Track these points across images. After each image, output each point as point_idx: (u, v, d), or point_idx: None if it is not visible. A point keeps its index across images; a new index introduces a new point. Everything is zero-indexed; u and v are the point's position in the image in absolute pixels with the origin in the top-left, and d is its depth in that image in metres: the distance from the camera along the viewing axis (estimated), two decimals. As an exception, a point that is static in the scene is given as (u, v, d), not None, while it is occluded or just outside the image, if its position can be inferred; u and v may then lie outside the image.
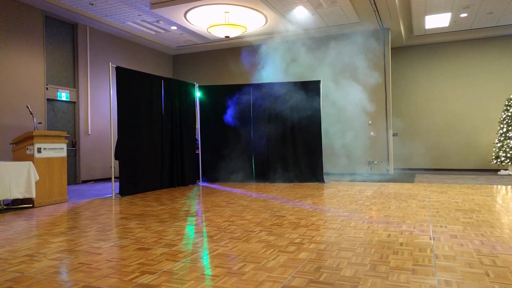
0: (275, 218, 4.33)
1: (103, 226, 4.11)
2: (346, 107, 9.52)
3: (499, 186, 6.98)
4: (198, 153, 8.72)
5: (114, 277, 2.46)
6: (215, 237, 3.47)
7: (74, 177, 8.79)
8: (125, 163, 6.70)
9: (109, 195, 6.58)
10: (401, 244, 3.11)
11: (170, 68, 12.11)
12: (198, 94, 8.75)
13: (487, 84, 10.48)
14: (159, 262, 2.75)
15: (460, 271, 2.44)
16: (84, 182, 8.98)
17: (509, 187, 6.88)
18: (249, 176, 8.52)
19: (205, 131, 8.73)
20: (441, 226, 3.74)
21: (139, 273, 2.51)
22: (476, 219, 4.04)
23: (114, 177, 6.57)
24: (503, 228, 3.65)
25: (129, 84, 6.89)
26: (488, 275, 2.36)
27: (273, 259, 2.76)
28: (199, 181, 8.59)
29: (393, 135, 10.09)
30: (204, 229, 3.85)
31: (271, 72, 9.12)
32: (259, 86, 8.56)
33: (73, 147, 8.77)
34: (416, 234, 3.43)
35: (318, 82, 8.28)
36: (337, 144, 9.42)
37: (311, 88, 8.25)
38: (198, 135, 8.77)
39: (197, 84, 8.79)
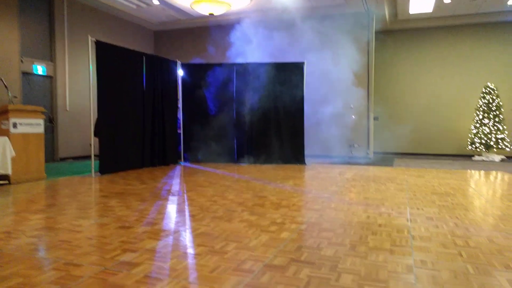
0: (257, 198, 4.37)
1: (83, 204, 4.05)
2: (329, 89, 9.57)
3: (472, 171, 7.22)
4: (180, 132, 8.63)
5: (96, 254, 2.44)
6: (197, 216, 3.48)
7: (52, 154, 8.58)
8: (105, 141, 6.57)
9: (88, 173, 6.48)
10: (380, 225, 3.20)
11: (151, 44, 11.81)
12: (180, 72, 8.59)
13: (467, 71, 10.68)
14: (141, 241, 2.74)
15: (435, 252, 2.53)
16: (62, 159, 8.79)
17: (482, 172, 7.12)
18: (232, 157, 8.52)
19: (188, 111, 8.62)
20: (417, 209, 3.85)
21: (121, 251, 2.50)
22: (451, 203, 4.19)
23: (94, 155, 6.46)
24: (476, 211, 3.80)
25: (110, 59, 6.70)
26: (461, 255, 2.46)
27: (255, 239, 2.80)
28: (181, 161, 8.54)
29: (374, 119, 10.23)
30: (186, 208, 3.85)
31: (255, 51, 9.02)
32: (242, 65, 8.47)
33: (51, 123, 8.53)
34: (394, 216, 3.53)
35: (301, 64, 8.25)
36: (319, 126, 9.49)
37: (294, 70, 8.23)
38: (180, 115, 8.66)
39: (180, 62, 8.62)
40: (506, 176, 6.50)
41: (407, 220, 3.37)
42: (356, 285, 1.99)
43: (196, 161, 8.57)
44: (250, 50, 9.04)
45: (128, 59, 7.16)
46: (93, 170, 6.33)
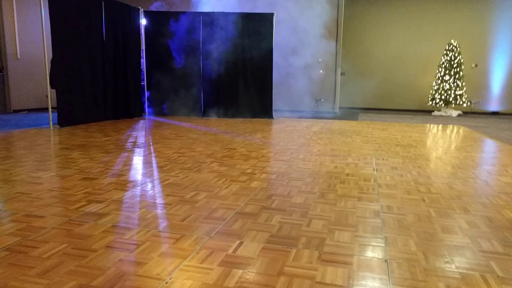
0: (226, 150, 4.32)
1: (42, 156, 3.84)
2: (298, 43, 9.41)
3: (432, 125, 7.51)
4: (144, 84, 8.27)
5: (58, 206, 2.33)
6: (165, 168, 3.40)
7: (3, 106, 8.03)
8: (63, 92, 6.18)
9: (46, 126, 6.13)
10: (347, 174, 3.27)
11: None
12: (143, 21, 8.08)
13: (431, 27, 10.79)
14: (107, 191, 2.65)
15: (400, 198, 2.62)
16: (16, 111, 8.26)
17: (440, 126, 7.42)
18: (198, 111, 8.34)
19: (152, 62, 8.22)
20: (383, 159, 3.97)
21: (86, 202, 2.41)
22: (414, 153, 4.34)
23: (52, 107, 6.08)
24: (436, 161, 3.96)
25: (64, 4, 6.14)
26: (424, 200, 2.57)
27: (226, 188, 2.78)
28: (146, 114, 8.26)
29: (341, 74, 10.26)
30: (153, 160, 3.75)
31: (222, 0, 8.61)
32: (209, 15, 8.07)
33: (0, 72, 7.90)
34: (361, 166, 3.61)
35: (271, 15, 7.97)
36: (287, 81, 9.42)
37: (263, 21, 7.95)
38: (144, 66, 8.26)
39: (142, 9, 8.08)
40: (462, 129, 6.81)
41: (373, 170, 3.46)
42: (326, 229, 2.03)
43: (162, 114, 8.32)
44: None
45: (85, 5, 6.60)
46: (51, 122, 6.00)
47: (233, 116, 8.13)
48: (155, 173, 3.23)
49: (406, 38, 11.00)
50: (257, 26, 7.93)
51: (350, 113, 10.06)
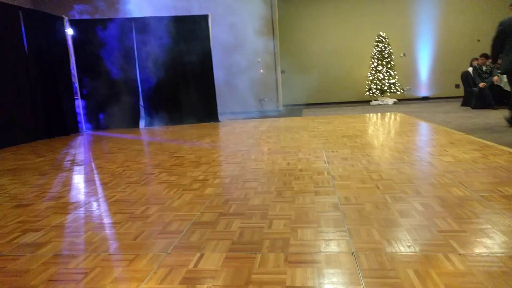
0: (174, 158, 4.14)
1: (-36, 186, 3.40)
2: (236, 44, 9.36)
3: (371, 114, 7.83)
4: (78, 98, 7.74)
5: (-13, 241, 2.04)
6: (109, 184, 3.15)
7: None
8: (-16, 113, 5.59)
9: (-33, 152, 5.50)
10: (301, 170, 3.25)
11: (29, -1, 10.15)
12: (70, 31, 7.56)
13: (361, 21, 11.28)
14: (44, 218, 2.38)
15: (355, 188, 2.64)
16: None
17: (379, 114, 7.76)
18: (139, 121, 7.98)
19: (83, 74, 7.72)
20: (332, 151, 4.02)
21: (20, 232, 2.13)
22: (360, 143, 4.45)
23: (-29, 130, 5.47)
24: (382, 148, 4.09)
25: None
26: (378, 187, 2.61)
27: (178, 198, 2.62)
28: (82, 130, 7.74)
29: (281, 72, 10.39)
30: (96, 177, 3.47)
31: (152, 3, 8.32)
32: (141, 20, 7.75)
33: None
34: (312, 160, 3.62)
35: (206, 16, 7.84)
36: (229, 83, 9.34)
37: (199, 23, 7.80)
38: (75, 79, 7.73)
39: (67, 18, 7.56)
40: (400, 116, 7.17)
41: (325, 163, 3.48)
42: (289, 229, 1.97)
43: (100, 127, 7.85)
44: (146, 1, 8.30)
45: (0, 14, 6.02)
46: (-27, 148, 5.39)
47: (178, 123, 7.89)
48: (99, 190, 2.98)
49: (339, 32, 11.41)
50: (193, 28, 7.77)
51: (294, 109, 10.22)
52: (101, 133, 7.24)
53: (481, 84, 7.81)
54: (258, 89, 9.92)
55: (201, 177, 3.20)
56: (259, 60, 9.86)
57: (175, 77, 7.87)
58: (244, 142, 5.04)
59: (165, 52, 7.73)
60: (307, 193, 2.56)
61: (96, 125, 7.86)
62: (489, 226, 1.86)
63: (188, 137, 5.86)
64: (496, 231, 1.79)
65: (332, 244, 1.76)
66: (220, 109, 8.38)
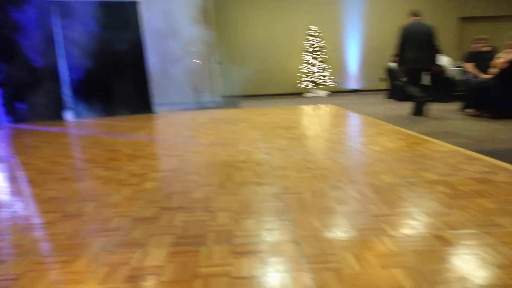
0: (109, 152, 3.94)
1: None
2: (170, 31, 9.09)
3: (306, 106, 8.11)
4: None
5: None
6: (37, 181, 2.92)
7: None
8: None
9: None
10: (242, 161, 3.28)
11: None
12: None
13: (294, 14, 11.54)
14: (-39, 221, 2.14)
15: (294, 177, 2.73)
16: None
17: (313, 106, 8.07)
18: (67, 112, 7.44)
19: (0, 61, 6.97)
20: (270, 143, 4.10)
21: None
22: (296, 134, 4.60)
23: None
24: (317, 138, 4.27)
25: None
26: (315, 177, 2.72)
27: (116, 194, 2.51)
28: (0, 122, 7.02)
29: (218, 63, 10.31)
30: (21, 174, 3.19)
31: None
32: (65, 4, 7.18)
33: None
34: (252, 152, 3.67)
35: (135, 3, 7.48)
36: (165, 73, 9.07)
37: (129, 9, 7.43)
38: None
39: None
40: (332, 108, 7.52)
41: (265, 154, 3.55)
42: (233, 220, 1.98)
43: (20, 120, 7.19)
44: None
45: None
46: None
47: (111, 114, 7.49)
48: (26, 189, 2.74)
49: (274, 24, 11.57)
50: (122, 14, 7.38)
51: (231, 101, 10.23)
52: (24, 126, 6.64)
53: (404, 79, 8.45)
54: (194, 79, 9.75)
55: (139, 171, 3.09)
56: (195, 50, 9.67)
57: (105, 66, 7.44)
58: (182, 134, 4.95)
59: (94, 39, 7.26)
60: (249, 184, 2.60)
61: (16, 117, 7.17)
62: (415, 209, 2.04)
63: (122, 129, 5.61)
64: (421, 213, 1.98)
65: (275, 233, 1.81)
66: (155, 100, 8.11)
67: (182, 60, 9.40)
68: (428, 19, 6.33)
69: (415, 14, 6.04)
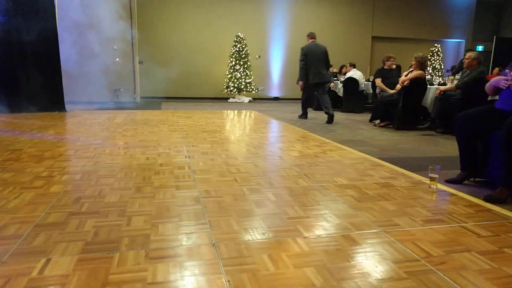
0: (9, 152, 3.54)
1: None
2: (87, 25, 8.53)
3: (229, 111, 8.18)
4: None
5: None
6: None
7: None
8: None
9: None
10: (161, 164, 3.19)
11: None
12: None
13: (222, 20, 11.61)
14: None
15: (215, 181, 2.73)
16: None
17: (236, 111, 8.17)
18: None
19: None
20: (192, 146, 4.05)
21: None
22: (219, 138, 4.61)
23: None
24: (239, 143, 4.32)
25: None
26: (236, 180, 2.75)
27: (16, 198, 2.27)
28: None
29: (139, 63, 9.93)
30: None
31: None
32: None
33: None
34: (173, 155, 3.59)
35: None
36: (81, 69, 8.46)
37: (42, 2, 6.82)
38: None
39: None
40: (254, 114, 7.69)
41: (186, 157, 3.49)
42: (149, 225, 1.91)
43: None
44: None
45: None
46: None
47: (14, 111, 6.73)
48: None
49: (200, 27, 11.49)
50: (35, 3, 6.75)
51: (152, 102, 9.90)
52: None
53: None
54: (114, 78, 9.24)
55: (44, 174, 2.83)
56: (115, 47, 9.20)
57: (11, 58, 6.69)
58: (97, 134, 4.65)
59: (1, 31, 6.50)
60: (167, 188, 2.53)
61: None
62: (327, 211, 2.17)
63: (27, 127, 5.09)
64: (332, 215, 2.11)
65: (193, 237, 1.79)
66: (68, 98, 7.50)
67: (100, 56, 8.87)
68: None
69: (312, 36, 7.01)
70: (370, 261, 1.60)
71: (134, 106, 8.60)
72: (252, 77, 11.23)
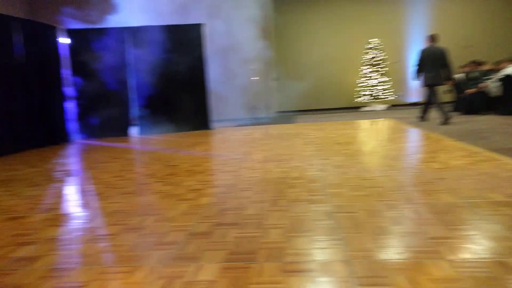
0: (168, 168, 4.15)
1: (-44, 199, 3.38)
2: (229, 51, 9.43)
3: (364, 121, 7.92)
4: (69, 107, 7.70)
5: (-17, 255, 2.04)
6: (104, 195, 3.16)
7: None
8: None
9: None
10: (294, 178, 3.29)
11: (22, 3, 10.10)
12: (64, 40, 7.54)
13: (352, 28, 11.41)
14: (38, 230, 2.37)
15: (348, 196, 2.68)
16: None
17: (370, 121, 7.86)
18: (132, 130, 7.97)
19: (78, 82, 7.70)
20: (325, 159, 4.06)
21: (14, 246, 2.13)
22: (353, 150, 4.51)
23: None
24: (374, 155, 4.15)
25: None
26: (370, 195, 2.65)
27: (173, 209, 2.64)
28: (74, 139, 7.70)
29: (276, 79, 10.47)
30: (90, 188, 3.47)
31: (146, 12, 8.36)
32: (136, 29, 7.78)
33: None
34: (306, 168, 3.66)
35: (200, 25, 7.89)
36: (223, 90, 9.39)
37: (193, 32, 7.86)
38: (69, 88, 7.69)
39: (61, 27, 7.55)
40: (391, 122, 7.27)
41: (318, 170, 3.53)
42: (284, 238, 2.00)
43: (92, 136, 7.82)
44: (138, 10, 8.32)
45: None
46: (-37, 159, 5.34)
47: (171, 131, 7.88)
48: (93, 202, 2.98)
49: (331, 38, 11.52)
50: (188, 37, 7.83)
51: (286, 116, 10.29)
52: (93, 142, 7.22)
53: (470, 91, 7.96)
54: (251, 95, 9.97)
55: (195, 187, 3.22)
56: (252, 67, 9.93)
57: (169, 86, 7.89)
58: (237, 150, 5.07)
59: (160, 60, 7.73)
60: (301, 202, 2.60)
61: (88, 134, 7.82)
62: (476, 232, 1.91)
63: (181, 145, 5.88)
64: (483, 237, 1.84)
65: (327, 253, 1.79)
66: (213, 116, 8.42)
67: (239, 77, 9.69)
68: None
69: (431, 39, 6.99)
70: (536, 296, 1.34)
71: (269, 121, 9.08)
72: (391, 83, 10.66)
